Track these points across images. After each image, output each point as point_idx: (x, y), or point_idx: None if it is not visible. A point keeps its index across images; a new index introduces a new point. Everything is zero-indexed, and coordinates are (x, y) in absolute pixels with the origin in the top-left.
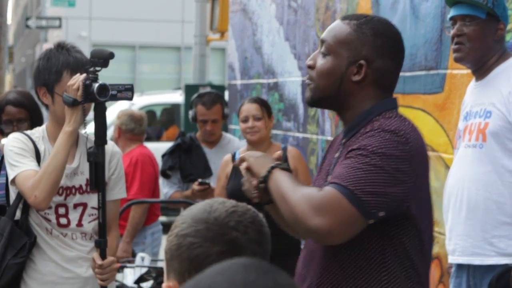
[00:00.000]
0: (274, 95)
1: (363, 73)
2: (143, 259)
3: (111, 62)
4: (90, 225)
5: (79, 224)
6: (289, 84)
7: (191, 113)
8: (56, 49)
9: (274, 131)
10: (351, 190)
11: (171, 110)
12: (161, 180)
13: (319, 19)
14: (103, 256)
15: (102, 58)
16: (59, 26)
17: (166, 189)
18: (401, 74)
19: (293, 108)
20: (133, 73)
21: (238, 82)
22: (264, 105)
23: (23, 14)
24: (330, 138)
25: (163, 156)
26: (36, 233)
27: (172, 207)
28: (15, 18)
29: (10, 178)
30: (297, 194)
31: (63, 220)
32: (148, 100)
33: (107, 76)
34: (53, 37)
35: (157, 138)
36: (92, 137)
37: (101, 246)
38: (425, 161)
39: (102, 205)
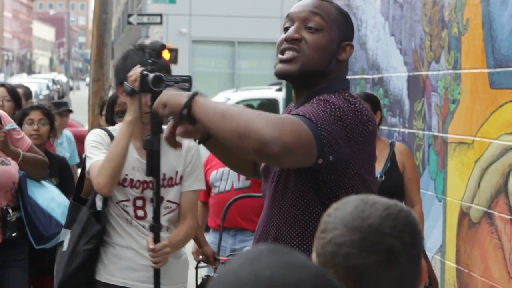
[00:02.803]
0: (379, 91)
1: (348, 53)
2: None
3: (211, 57)
4: (165, 217)
5: None
6: (394, 79)
7: None
8: (133, 50)
9: (380, 127)
10: (314, 122)
11: (266, 106)
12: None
13: (426, 14)
14: (156, 240)
15: (156, 50)
16: (160, 23)
17: None
18: (511, 69)
19: (398, 103)
20: (232, 69)
21: None
22: (368, 101)
23: (124, 11)
24: (436, 133)
25: None
26: (116, 223)
27: None
28: (115, 15)
29: (86, 169)
30: (249, 111)
31: (140, 213)
32: (243, 96)
33: (207, 71)
34: (154, 34)
35: None
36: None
37: (155, 230)
38: (374, 133)
39: (156, 192)
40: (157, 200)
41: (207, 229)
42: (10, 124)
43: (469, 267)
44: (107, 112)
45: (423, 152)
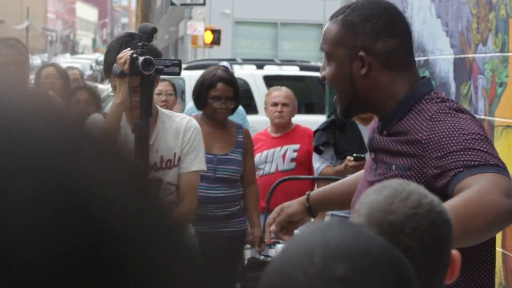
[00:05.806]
0: (424, 73)
1: (366, 63)
2: None
3: (254, 38)
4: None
5: None
6: (440, 61)
7: None
8: (117, 40)
9: None
10: (504, 168)
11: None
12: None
13: None
14: None
15: (147, 33)
16: (203, 4)
17: (318, 165)
18: None
19: (444, 86)
20: (275, 50)
21: None
22: None
23: None
24: (483, 116)
25: (315, 131)
26: None
27: (322, 184)
28: None
29: None
30: (474, 202)
31: None
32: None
33: (249, 52)
34: (197, 14)
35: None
36: (172, 115)
37: None
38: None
39: None
40: None
41: None
42: None
43: None
44: (201, 95)
45: None
